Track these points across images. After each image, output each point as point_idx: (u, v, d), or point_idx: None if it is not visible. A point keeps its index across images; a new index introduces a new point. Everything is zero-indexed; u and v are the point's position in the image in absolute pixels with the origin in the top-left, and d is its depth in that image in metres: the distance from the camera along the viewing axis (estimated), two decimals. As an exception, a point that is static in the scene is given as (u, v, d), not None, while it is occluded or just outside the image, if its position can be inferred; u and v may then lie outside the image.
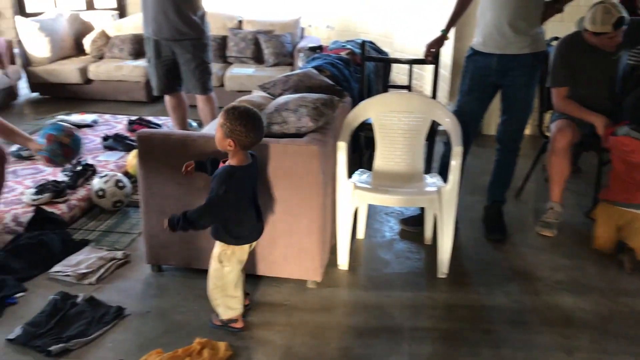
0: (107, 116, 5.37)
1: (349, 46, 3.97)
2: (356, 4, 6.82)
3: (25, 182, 3.74)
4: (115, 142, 4.43)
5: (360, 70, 3.60)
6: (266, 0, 7.32)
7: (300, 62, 4.94)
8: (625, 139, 2.91)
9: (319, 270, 2.68)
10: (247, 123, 2.14)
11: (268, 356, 2.30)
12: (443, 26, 3.17)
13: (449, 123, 2.88)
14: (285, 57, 5.98)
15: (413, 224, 3.29)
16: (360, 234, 3.20)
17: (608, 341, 2.41)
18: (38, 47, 6.04)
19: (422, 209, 3.24)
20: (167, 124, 4.92)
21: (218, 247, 2.35)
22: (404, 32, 6.20)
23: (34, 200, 3.34)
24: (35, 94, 6.36)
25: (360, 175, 3.05)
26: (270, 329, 2.45)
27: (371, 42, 4.20)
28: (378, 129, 3.04)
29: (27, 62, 6.08)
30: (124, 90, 6.01)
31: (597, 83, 3.24)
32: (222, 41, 6.06)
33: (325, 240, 2.70)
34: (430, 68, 5.52)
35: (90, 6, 7.94)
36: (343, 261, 2.89)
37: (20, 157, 4.13)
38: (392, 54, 5.61)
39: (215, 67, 5.19)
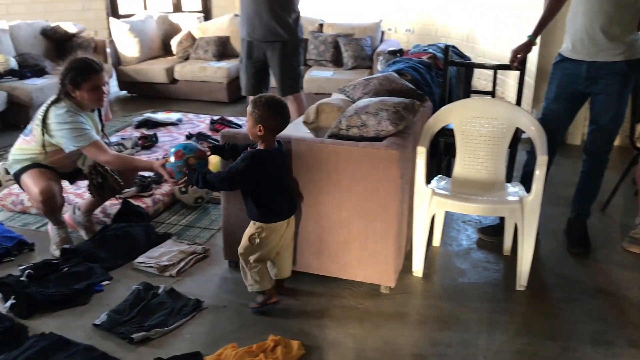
0: (190, 115, 5.56)
1: (430, 50, 3.93)
2: (437, 8, 6.73)
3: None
4: (198, 141, 4.58)
5: (442, 75, 3.55)
6: (347, 4, 7.36)
7: (379, 66, 4.92)
8: None
9: (393, 276, 2.66)
10: (273, 108, 2.39)
11: (340, 358, 2.31)
12: (530, 31, 3.08)
13: (534, 131, 2.79)
14: (364, 61, 5.98)
15: (492, 234, 3.21)
16: (436, 242, 3.16)
17: (701, 368, 2.27)
18: (128, 47, 6.33)
19: (502, 218, 3.15)
20: (246, 124, 5.03)
21: (251, 227, 2.51)
22: (488, 37, 6.06)
23: (122, 193, 3.50)
24: (123, 92, 6.67)
25: (439, 182, 3.01)
26: (342, 331, 2.46)
27: (454, 47, 4.13)
28: (459, 135, 2.98)
29: (117, 61, 6.39)
30: (207, 90, 6.20)
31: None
32: (303, 44, 6.13)
33: (400, 246, 2.68)
34: (512, 74, 5.41)
35: (177, 8, 8.26)
36: (418, 268, 2.86)
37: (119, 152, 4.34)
38: (474, 59, 5.50)
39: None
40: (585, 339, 2.43)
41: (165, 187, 3.68)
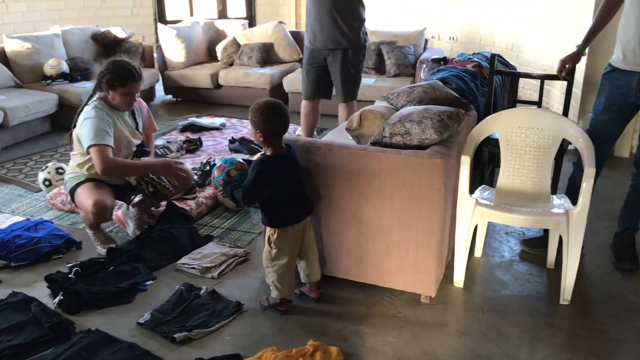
0: (234, 120, 5.65)
1: (475, 59, 3.89)
2: (482, 17, 6.67)
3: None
4: (240, 145, 4.65)
5: (486, 84, 3.52)
6: (391, 12, 7.36)
7: (422, 74, 4.91)
8: None
9: (434, 286, 2.64)
10: (267, 113, 2.40)
11: (379, 366, 2.31)
12: (579, 41, 3.03)
13: (582, 143, 2.74)
14: (407, 68, 5.97)
15: (535, 246, 3.16)
16: (478, 252, 3.12)
17: None
18: (175, 53, 6.47)
19: (546, 230, 3.10)
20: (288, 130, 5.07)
21: (266, 231, 2.56)
22: (533, 46, 5.97)
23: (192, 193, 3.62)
24: (168, 97, 6.81)
25: (482, 192, 2.98)
26: (381, 339, 2.45)
27: (499, 56, 4.09)
28: (504, 145, 2.94)
29: (164, 66, 6.53)
30: (250, 96, 6.26)
31: None
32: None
33: (441, 256, 2.66)
34: (558, 84, 5.32)
35: (222, 15, 8.40)
36: (459, 278, 2.83)
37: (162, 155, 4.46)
38: (518, 68, 5.42)
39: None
40: (631, 358, 2.37)
41: (209, 191, 3.74)
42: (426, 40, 6.42)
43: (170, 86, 6.63)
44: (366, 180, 2.55)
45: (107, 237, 3.20)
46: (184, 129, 5.28)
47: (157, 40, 6.85)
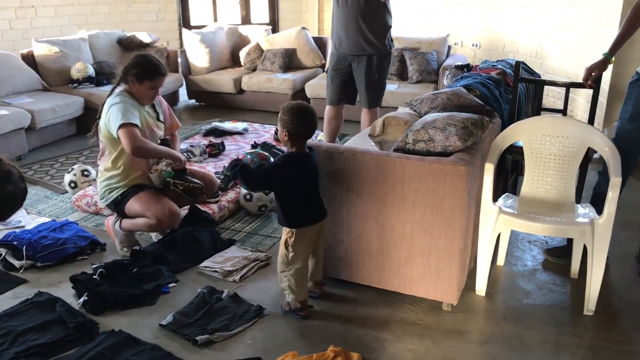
0: (256, 125, 5.68)
1: (499, 66, 3.87)
2: (506, 24, 6.63)
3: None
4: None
5: (510, 91, 3.50)
6: (414, 18, 7.36)
7: (445, 80, 4.90)
8: None
9: (456, 293, 2.63)
10: (298, 115, 2.46)
11: (399, 373, 2.30)
12: (605, 49, 3.00)
13: (607, 152, 2.71)
14: (430, 75, 5.96)
15: (559, 255, 3.12)
16: (501, 261, 3.10)
17: None
18: (199, 58, 6.53)
19: (570, 240, 3.06)
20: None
21: (283, 233, 2.56)
22: (558, 53, 5.92)
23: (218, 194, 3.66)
24: (192, 101, 6.87)
25: (505, 200, 2.96)
26: (401, 346, 2.45)
27: (524, 63, 4.06)
28: (528, 153, 2.92)
29: (188, 71, 6.60)
30: (272, 101, 6.30)
31: None
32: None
33: (464, 264, 2.64)
34: (583, 92, 5.27)
35: (246, 21, 8.46)
36: (481, 287, 2.82)
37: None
38: (542, 76, 5.38)
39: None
40: (658, 370, 2.34)
41: (231, 195, 3.77)
42: (449, 47, 6.40)
43: (194, 91, 6.70)
44: (389, 187, 2.55)
45: (134, 240, 3.24)
46: (207, 133, 5.32)
47: (182, 45, 6.92)
